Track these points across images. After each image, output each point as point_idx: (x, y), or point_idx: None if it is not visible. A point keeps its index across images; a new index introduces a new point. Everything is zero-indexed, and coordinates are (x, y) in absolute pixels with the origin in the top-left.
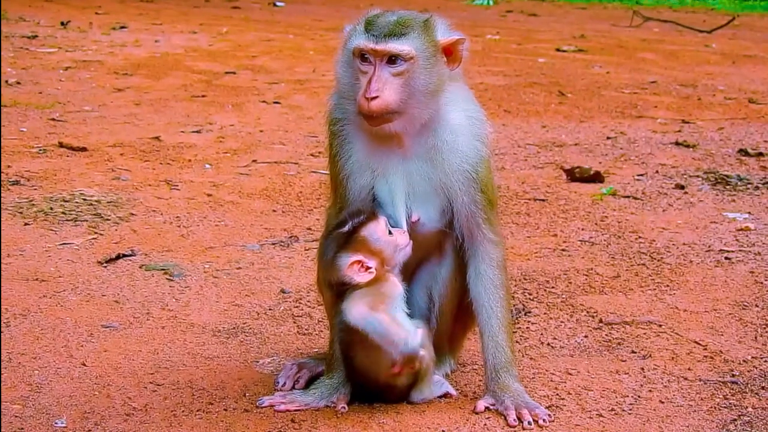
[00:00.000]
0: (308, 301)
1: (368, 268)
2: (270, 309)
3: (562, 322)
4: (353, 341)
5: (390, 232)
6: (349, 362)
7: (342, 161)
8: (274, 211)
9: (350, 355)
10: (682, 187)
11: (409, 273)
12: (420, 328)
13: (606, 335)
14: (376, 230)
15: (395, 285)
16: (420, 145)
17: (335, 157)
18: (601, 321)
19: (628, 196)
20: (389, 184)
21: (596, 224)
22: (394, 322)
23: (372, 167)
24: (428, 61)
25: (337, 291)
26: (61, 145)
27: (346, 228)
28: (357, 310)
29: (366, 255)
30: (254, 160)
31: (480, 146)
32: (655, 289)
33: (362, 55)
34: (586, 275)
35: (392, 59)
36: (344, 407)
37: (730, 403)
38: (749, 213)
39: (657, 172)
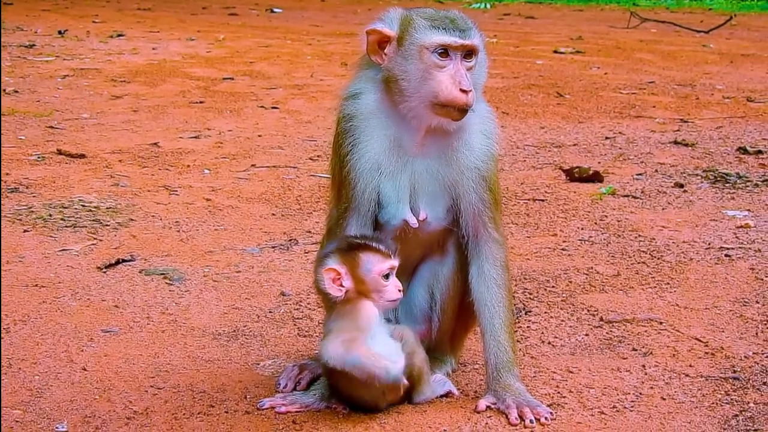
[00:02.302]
0: (308, 304)
1: (341, 285)
2: (270, 312)
3: (562, 320)
4: (336, 375)
5: (387, 276)
6: (336, 391)
7: (353, 160)
8: (273, 214)
9: (336, 386)
10: (682, 186)
11: (411, 271)
12: (407, 338)
13: (607, 333)
14: (375, 264)
15: (370, 309)
16: (433, 142)
17: (345, 156)
18: (601, 319)
19: (628, 196)
20: (397, 182)
21: (596, 223)
22: (371, 356)
23: (381, 166)
24: (483, 54)
25: (320, 293)
26: (59, 152)
27: (356, 240)
28: (333, 351)
29: (348, 274)
30: (253, 165)
31: (491, 144)
32: (655, 287)
33: (439, 51)
34: (587, 274)
35: (468, 54)
36: (345, 408)
37: (731, 399)
38: (749, 210)
39: (656, 171)
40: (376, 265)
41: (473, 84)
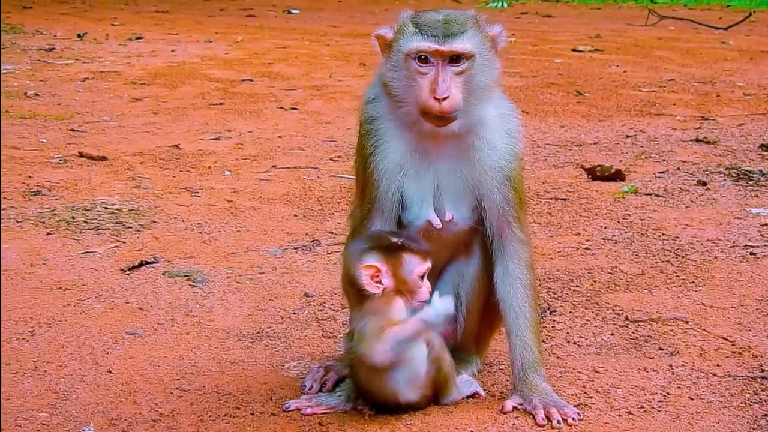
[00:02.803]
0: (332, 305)
1: (379, 283)
2: (294, 313)
3: (587, 320)
4: (362, 371)
5: (422, 278)
6: (362, 389)
7: (376, 161)
8: (295, 215)
9: (362, 383)
10: (704, 184)
11: (437, 271)
12: (433, 343)
13: (632, 333)
14: (416, 265)
15: (402, 307)
16: (456, 143)
17: (369, 158)
18: (627, 318)
19: (650, 194)
20: (420, 182)
21: (619, 222)
22: (409, 323)
23: (405, 167)
24: (484, 57)
25: (351, 288)
26: (81, 155)
27: (395, 239)
28: (380, 348)
29: (388, 272)
30: (274, 166)
31: (514, 143)
32: (680, 286)
33: (420, 57)
34: (611, 273)
35: (454, 58)
36: (372, 409)
37: (760, 399)
38: None
39: (678, 169)
40: (417, 266)
41: (471, 88)
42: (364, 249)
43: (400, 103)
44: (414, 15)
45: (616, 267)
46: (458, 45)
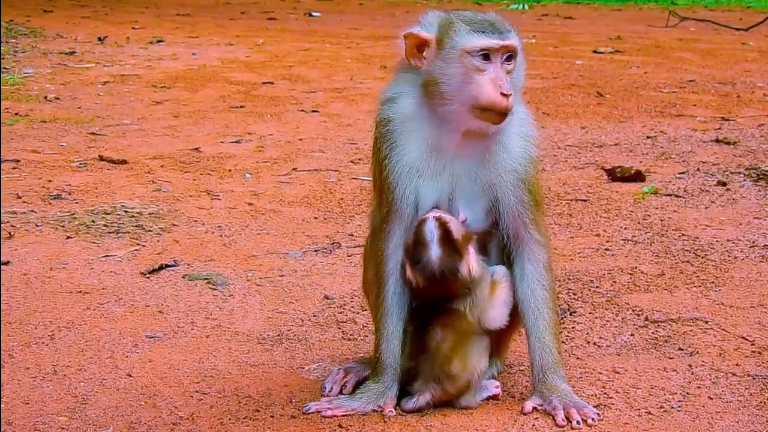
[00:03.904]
0: (352, 307)
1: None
2: (314, 315)
3: (607, 321)
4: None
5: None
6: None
7: (391, 164)
8: (316, 218)
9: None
10: (724, 184)
11: None
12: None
13: (652, 333)
14: (451, 220)
15: (487, 280)
16: (471, 145)
17: (384, 160)
18: (647, 319)
19: (670, 195)
20: (435, 184)
21: (639, 223)
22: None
23: (420, 169)
24: (521, 56)
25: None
26: (101, 158)
27: (433, 234)
28: (498, 315)
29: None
30: (294, 169)
31: (529, 146)
32: (700, 286)
33: (481, 54)
34: (631, 274)
35: (509, 57)
36: (392, 411)
37: None
38: None
39: (698, 169)
40: (451, 219)
41: (512, 87)
42: (453, 259)
43: (448, 100)
44: (458, 14)
45: (635, 268)
46: (515, 42)
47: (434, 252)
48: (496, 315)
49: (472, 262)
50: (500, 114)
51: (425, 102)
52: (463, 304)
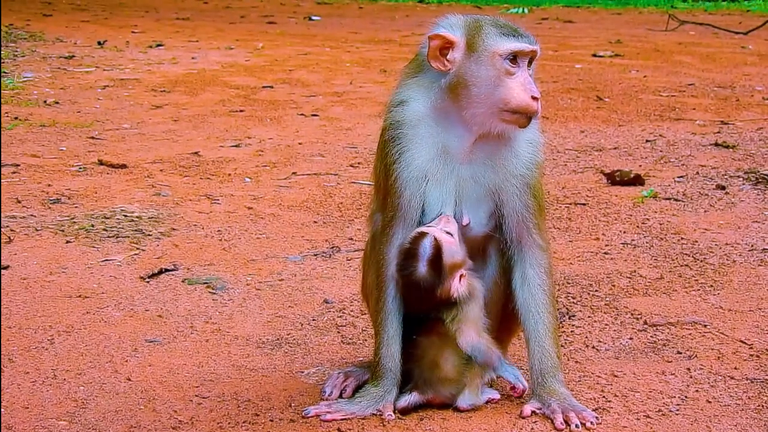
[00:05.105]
0: (351, 311)
1: (463, 276)
2: (313, 319)
3: (606, 324)
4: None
5: (450, 234)
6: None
7: (400, 168)
8: (315, 222)
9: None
10: (723, 188)
11: None
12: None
13: (651, 337)
14: (450, 244)
15: (480, 303)
16: (481, 149)
17: (393, 165)
18: (645, 323)
19: (669, 198)
20: (442, 188)
21: (638, 227)
22: (491, 346)
23: (428, 173)
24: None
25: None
26: (100, 162)
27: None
28: (469, 337)
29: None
30: (294, 173)
31: (536, 151)
32: (699, 290)
33: (512, 58)
34: (629, 278)
35: (531, 61)
36: (391, 415)
37: None
38: None
39: (697, 173)
40: (451, 243)
41: None
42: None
43: (476, 102)
44: (484, 18)
45: (635, 271)
46: (539, 48)
47: (420, 269)
48: (467, 338)
49: (455, 286)
50: (529, 117)
51: (441, 105)
52: (446, 313)
